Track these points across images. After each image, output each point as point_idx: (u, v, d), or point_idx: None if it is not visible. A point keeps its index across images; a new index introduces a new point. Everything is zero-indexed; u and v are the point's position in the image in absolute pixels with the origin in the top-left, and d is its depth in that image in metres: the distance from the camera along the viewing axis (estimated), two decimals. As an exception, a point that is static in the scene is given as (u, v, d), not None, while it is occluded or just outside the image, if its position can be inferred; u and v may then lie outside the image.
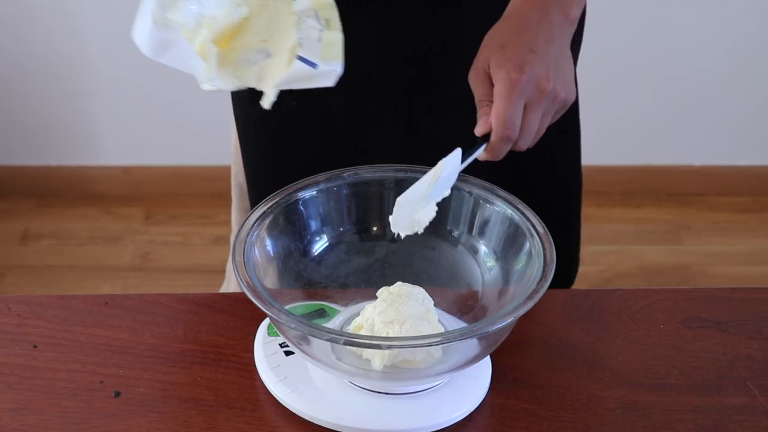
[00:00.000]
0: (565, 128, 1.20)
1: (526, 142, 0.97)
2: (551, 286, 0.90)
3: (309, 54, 0.91)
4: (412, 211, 0.93)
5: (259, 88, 0.93)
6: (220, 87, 0.93)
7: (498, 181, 1.02)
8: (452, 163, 0.93)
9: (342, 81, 1.17)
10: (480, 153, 0.96)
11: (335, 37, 0.92)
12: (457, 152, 0.93)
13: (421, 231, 0.94)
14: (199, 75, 0.91)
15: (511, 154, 0.99)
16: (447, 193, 0.95)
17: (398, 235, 0.94)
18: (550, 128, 1.01)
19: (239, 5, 0.92)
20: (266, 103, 0.93)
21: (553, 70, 0.96)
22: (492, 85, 0.96)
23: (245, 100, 1.20)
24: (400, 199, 0.92)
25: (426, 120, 1.18)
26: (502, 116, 0.94)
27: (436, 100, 1.17)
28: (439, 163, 0.92)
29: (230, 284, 1.45)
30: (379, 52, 1.15)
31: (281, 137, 1.21)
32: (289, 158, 1.22)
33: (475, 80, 0.98)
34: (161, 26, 0.89)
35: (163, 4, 0.89)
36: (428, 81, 1.16)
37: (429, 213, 0.94)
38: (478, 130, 0.96)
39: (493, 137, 0.95)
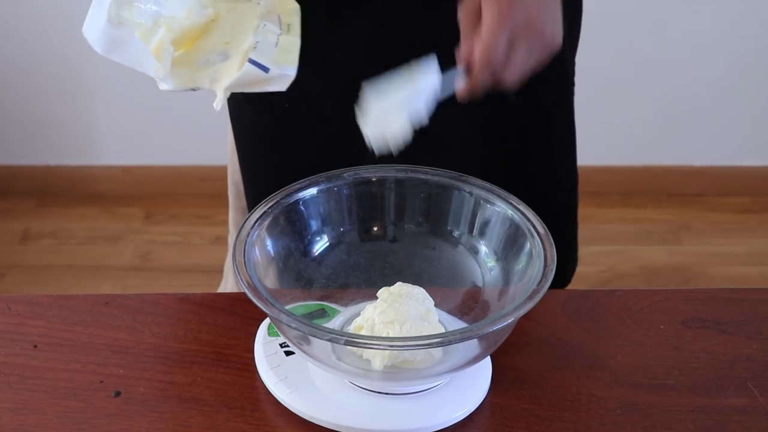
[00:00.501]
0: (560, 110, 1.20)
1: (511, 77, 0.95)
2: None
3: (262, 58, 0.90)
4: (385, 112, 0.90)
5: (211, 89, 0.93)
6: (174, 87, 0.92)
7: (495, 174, 1.02)
8: (429, 77, 0.90)
9: (339, 81, 1.17)
10: (459, 81, 0.93)
11: (293, 42, 0.91)
12: (434, 62, 0.90)
13: (394, 150, 0.91)
14: (151, 74, 0.90)
15: (508, 139, 0.97)
16: (423, 114, 0.92)
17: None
18: (545, 111, 1.00)
19: (205, 7, 0.91)
20: (216, 104, 0.93)
21: (543, 5, 0.95)
22: (480, 20, 0.95)
23: (240, 101, 1.20)
24: (368, 94, 0.88)
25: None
26: (488, 43, 0.92)
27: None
28: (412, 63, 0.89)
29: (228, 284, 1.45)
30: (376, 52, 1.15)
31: (276, 138, 1.21)
32: (285, 158, 1.21)
33: (463, 12, 0.96)
34: (115, 24, 0.88)
35: (119, 2, 0.88)
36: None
37: (402, 128, 0.91)
38: (461, 55, 0.94)
39: (476, 64, 0.93)
